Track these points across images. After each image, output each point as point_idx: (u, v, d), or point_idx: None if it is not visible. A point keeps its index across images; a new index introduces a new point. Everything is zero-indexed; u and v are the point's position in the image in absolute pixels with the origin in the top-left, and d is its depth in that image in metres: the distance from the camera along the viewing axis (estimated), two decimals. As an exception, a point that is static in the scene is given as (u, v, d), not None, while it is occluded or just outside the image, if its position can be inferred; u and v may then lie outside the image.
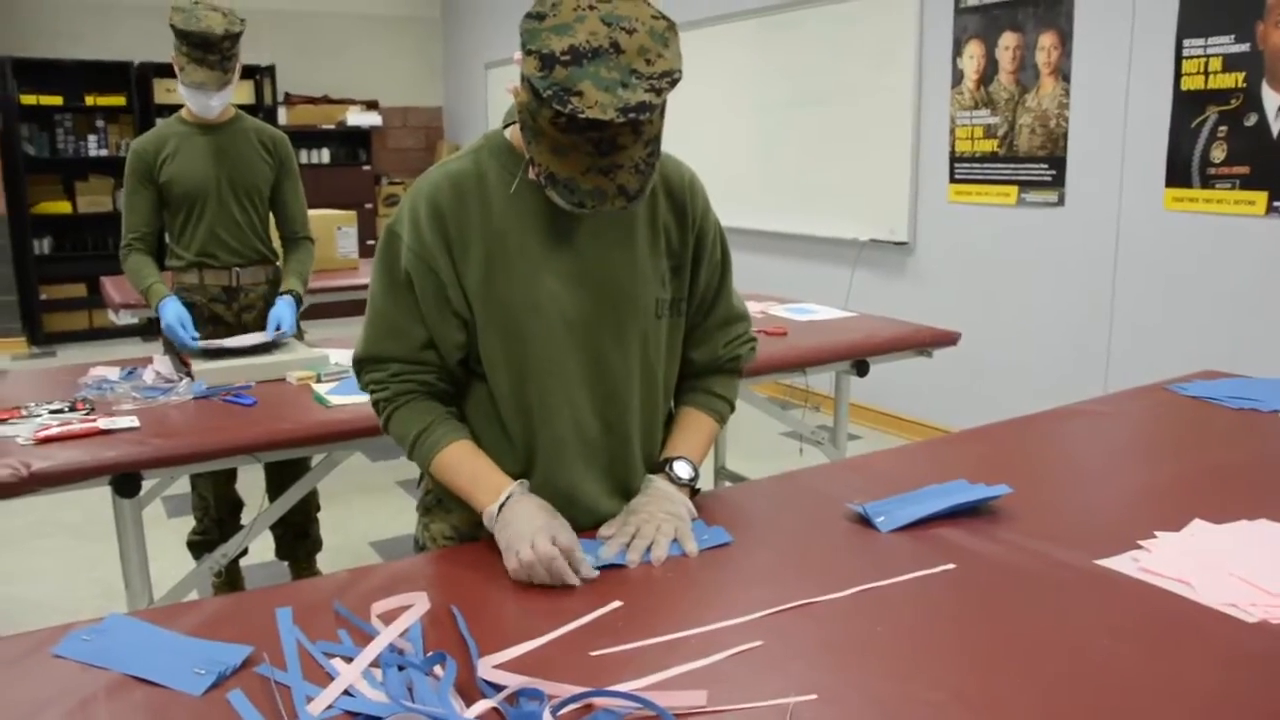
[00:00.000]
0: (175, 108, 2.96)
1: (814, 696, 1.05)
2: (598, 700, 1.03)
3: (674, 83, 1.27)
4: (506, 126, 1.50)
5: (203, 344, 2.68)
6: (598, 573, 1.35)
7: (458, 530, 1.56)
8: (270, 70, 7.99)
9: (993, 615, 1.23)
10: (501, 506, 1.40)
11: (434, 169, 1.49)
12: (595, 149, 1.27)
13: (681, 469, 1.55)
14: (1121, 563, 1.37)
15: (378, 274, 1.49)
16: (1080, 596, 1.27)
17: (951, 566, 1.36)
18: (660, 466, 1.57)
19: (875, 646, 1.15)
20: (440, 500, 1.59)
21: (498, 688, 1.06)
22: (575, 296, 1.45)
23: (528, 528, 1.35)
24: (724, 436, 4.09)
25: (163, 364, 2.60)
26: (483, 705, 1.02)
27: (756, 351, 1.70)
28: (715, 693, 1.05)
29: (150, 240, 2.98)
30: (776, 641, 1.17)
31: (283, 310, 2.87)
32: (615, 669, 1.11)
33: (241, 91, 7.81)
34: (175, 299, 2.86)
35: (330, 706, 1.03)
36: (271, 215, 3.13)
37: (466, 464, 1.47)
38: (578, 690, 1.04)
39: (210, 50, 2.76)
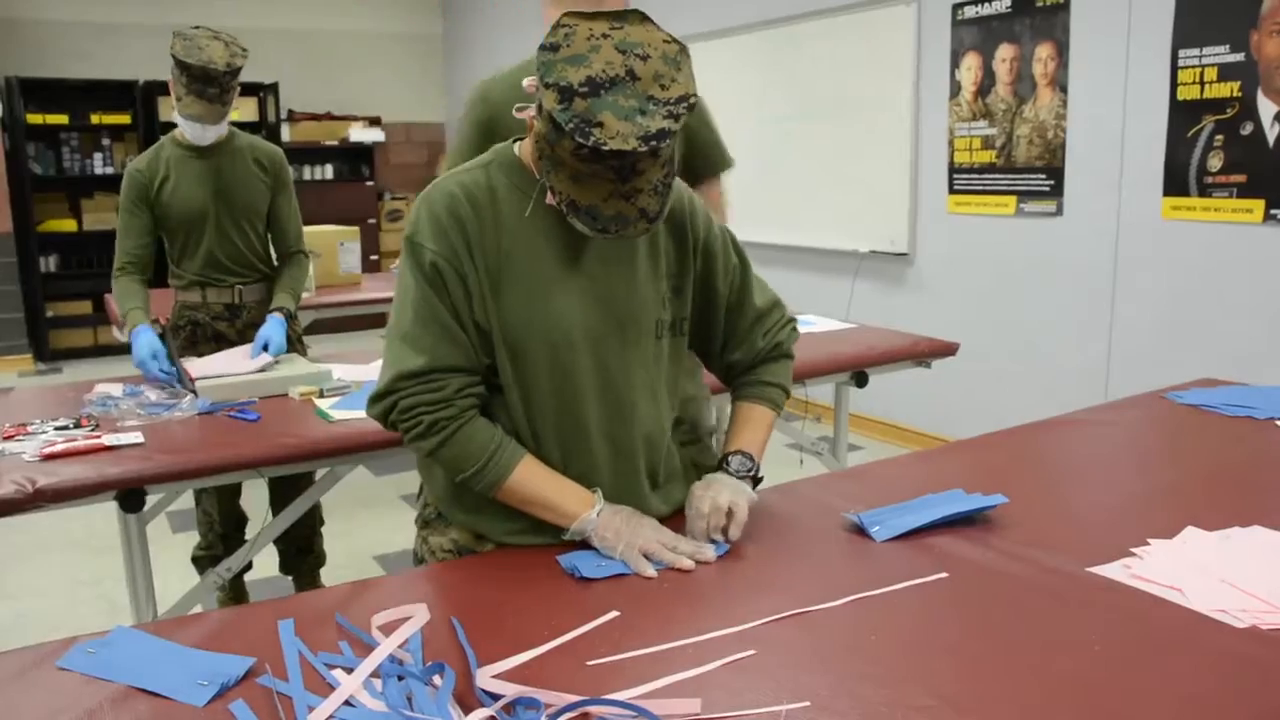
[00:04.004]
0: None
1: (806, 704, 1.06)
2: (593, 709, 1.04)
3: (690, 107, 1.30)
4: (515, 142, 1.52)
5: (196, 373, 2.60)
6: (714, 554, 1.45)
7: (456, 544, 1.57)
8: (274, 87, 8.04)
9: (985, 623, 1.24)
10: (599, 511, 1.45)
11: (445, 178, 1.48)
12: (616, 176, 1.29)
13: (737, 463, 1.58)
14: (1114, 570, 1.38)
15: (413, 285, 1.45)
16: (1072, 604, 1.29)
17: (945, 575, 1.37)
18: (720, 464, 1.60)
19: (868, 654, 1.17)
20: (439, 514, 1.60)
21: (496, 697, 1.07)
22: (582, 317, 1.47)
23: (632, 527, 1.44)
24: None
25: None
26: (480, 714, 1.04)
27: (798, 331, 1.74)
28: (709, 701, 1.07)
29: (143, 263, 2.96)
30: (770, 650, 1.18)
31: (273, 329, 2.84)
32: (611, 678, 1.12)
33: (245, 108, 7.86)
34: (148, 329, 2.77)
35: (331, 716, 1.05)
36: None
37: (547, 476, 1.49)
38: (574, 699, 1.05)
39: (210, 84, 2.76)
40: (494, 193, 1.46)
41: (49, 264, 7.64)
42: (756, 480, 1.60)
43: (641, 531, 1.44)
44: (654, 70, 1.29)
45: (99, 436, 2.16)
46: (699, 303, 1.61)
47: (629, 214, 1.32)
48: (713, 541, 1.48)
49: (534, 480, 1.47)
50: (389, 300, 1.56)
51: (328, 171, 8.59)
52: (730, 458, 1.60)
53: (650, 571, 1.39)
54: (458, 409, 1.45)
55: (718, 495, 1.50)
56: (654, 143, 1.26)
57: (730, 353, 1.68)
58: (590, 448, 1.51)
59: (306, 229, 3.26)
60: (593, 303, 1.48)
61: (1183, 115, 3.75)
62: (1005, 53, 4.42)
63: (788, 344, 1.71)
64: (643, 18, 1.34)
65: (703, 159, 2.34)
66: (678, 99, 1.29)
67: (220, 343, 3.03)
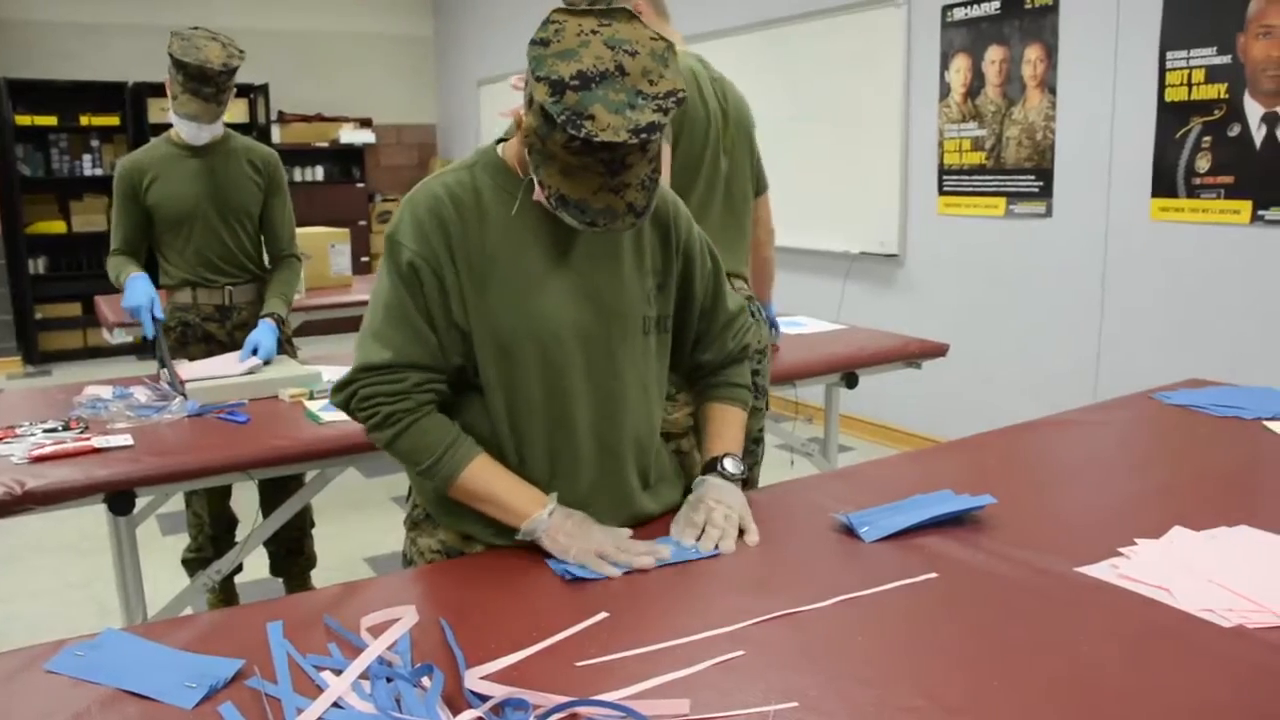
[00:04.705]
0: (169, 126, 2.97)
1: (795, 704, 1.06)
2: (582, 709, 1.05)
3: (678, 101, 1.32)
4: (498, 143, 1.53)
5: (185, 377, 2.59)
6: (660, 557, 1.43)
7: (444, 545, 1.57)
8: (264, 89, 8.02)
9: (974, 623, 1.25)
10: (551, 512, 1.45)
11: (430, 180, 1.50)
12: (606, 169, 1.31)
13: (732, 465, 1.61)
14: (1101, 570, 1.39)
15: (387, 283, 1.47)
16: (1060, 604, 1.29)
17: (934, 575, 1.38)
18: (710, 465, 1.61)
19: (857, 655, 1.17)
20: (428, 515, 1.60)
21: (484, 698, 1.07)
22: (569, 315, 1.48)
23: (584, 530, 1.45)
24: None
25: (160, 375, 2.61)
26: (469, 715, 1.04)
27: (752, 331, 1.78)
28: (698, 701, 1.07)
29: (137, 251, 3.00)
30: (759, 650, 1.18)
31: (263, 334, 2.82)
32: (600, 679, 1.12)
33: (235, 110, 7.84)
34: (146, 278, 2.84)
35: (320, 718, 1.05)
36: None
37: (502, 475, 1.49)
38: (562, 700, 1.05)
39: (206, 83, 2.76)
40: (479, 193, 1.47)
41: (38, 266, 7.61)
42: (744, 482, 1.62)
43: (592, 535, 1.44)
44: (642, 66, 1.31)
45: (88, 439, 2.16)
46: (677, 303, 1.63)
47: (617, 208, 1.33)
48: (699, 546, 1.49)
49: (486, 478, 1.48)
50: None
51: (318, 173, 8.57)
52: (724, 460, 1.61)
53: (612, 571, 1.39)
54: (414, 403, 1.47)
55: (731, 506, 1.53)
56: (644, 135, 1.27)
57: (701, 353, 1.70)
58: (577, 446, 1.51)
59: (297, 230, 3.25)
60: (580, 300, 1.49)
61: (1171, 117, 3.77)
62: (994, 54, 4.43)
63: (750, 347, 1.76)
64: (630, 16, 1.36)
65: (759, 177, 2.54)
66: (666, 93, 1.31)
67: (210, 344, 3.03)
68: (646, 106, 1.29)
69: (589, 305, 1.49)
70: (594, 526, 1.46)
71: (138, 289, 2.81)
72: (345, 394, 1.49)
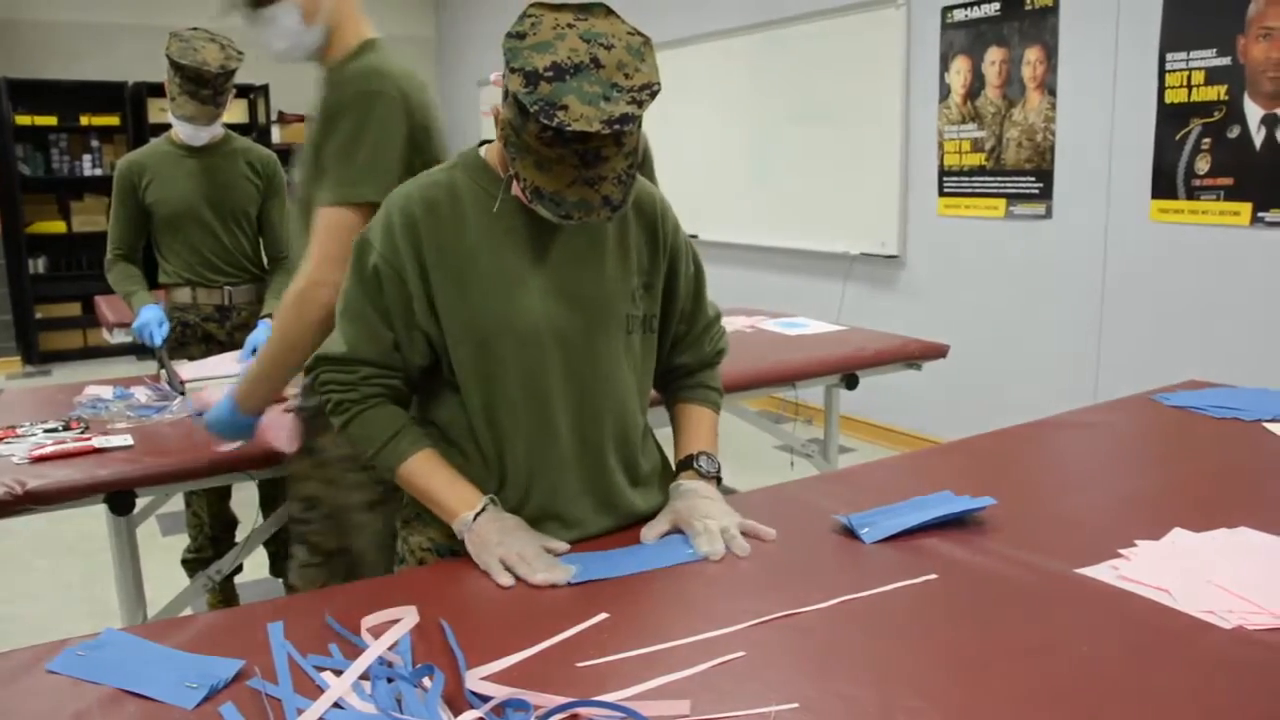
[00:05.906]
0: (170, 126, 2.98)
1: (795, 705, 1.06)
2: (583, 710, 1.05)
3: (653, 95, 1.32)
4: (481, 145, 1.53)
5: (186, 379, 2.58)
6: (572, 570, 1.39)
7: (434, 542, 1.57)
8: (264, 89, 8.02)
9: (973, 624, 1.25)
10: (477, 515, 1.45)
11: (408, 182, 1.52)
12: (580, 161, 1.30)
13: (706, 462, 1.61)
14: (1101, 571, 1.39)
15: (351, 280, 1.51)
16: (1060, 605, 1.29)
17: (934, 576, 1.38)
18: (685, 464, 1.61)
19: (857, 656, 1.17)
20: (418, 513, 1.60)
21: (485, 699, 1.07)
22: (550, 313, 1.48)
23: (505, 535, 1.43)
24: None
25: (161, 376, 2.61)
26: (470, 716, 1.04)
27: (728, 339, 1.79)
28: (698, 702, 1.07)
29: (134, 254, 3.03)
30: (760, 652, 1.18)
31: (263, 335, 2.76)
32: (601, 680, 1.12)
33: (235, 110, 7.83)
34: (157, 307, 2.90)
35: (320, 719, 1.05)
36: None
37: (441, 471, 1.50)
38: (563, 700, 1.05)
39: (203, 85, 2.77)
40: (457, 193, 1.48)
41: (38, 266, 7.61)
42: (719, 480, 1.63)
43: (508, 541, 1.42)
44: (618, 59, 1.31)
45: (88, 439, 2.16)
46: (660, 303, 1.62)
47: (592, 200, 1.33)
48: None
49: (425, 473, 1.49)
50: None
51: (318, 173, 8.57)
52: (699, 458, 1.62)
53: (503, 580, 1.37)
54: (360, 395, 1.50)
55: (722, 520, 1.51)
56: (617, 126, 1.27)
57: (679, 355, 1.69)
58: (558, 444, 1.51)
59: (297, 231, 3.26)
60: (560, 298, 1.48)
61: (1170, 118, 3.77)
62: (994, 55, 4.44)
63: (724, 352, 1.76)
64: (607, 11, 1.37)
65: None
66: (641, 86, 1.31)
67: (210, 344, 3.03)
68: (621, 99, 1.29)
69: (568, 304, 1.49)
70: (521, 533, 1.45)
71: (146, 313, 2.88)
72: (310, 377, 1.55)
